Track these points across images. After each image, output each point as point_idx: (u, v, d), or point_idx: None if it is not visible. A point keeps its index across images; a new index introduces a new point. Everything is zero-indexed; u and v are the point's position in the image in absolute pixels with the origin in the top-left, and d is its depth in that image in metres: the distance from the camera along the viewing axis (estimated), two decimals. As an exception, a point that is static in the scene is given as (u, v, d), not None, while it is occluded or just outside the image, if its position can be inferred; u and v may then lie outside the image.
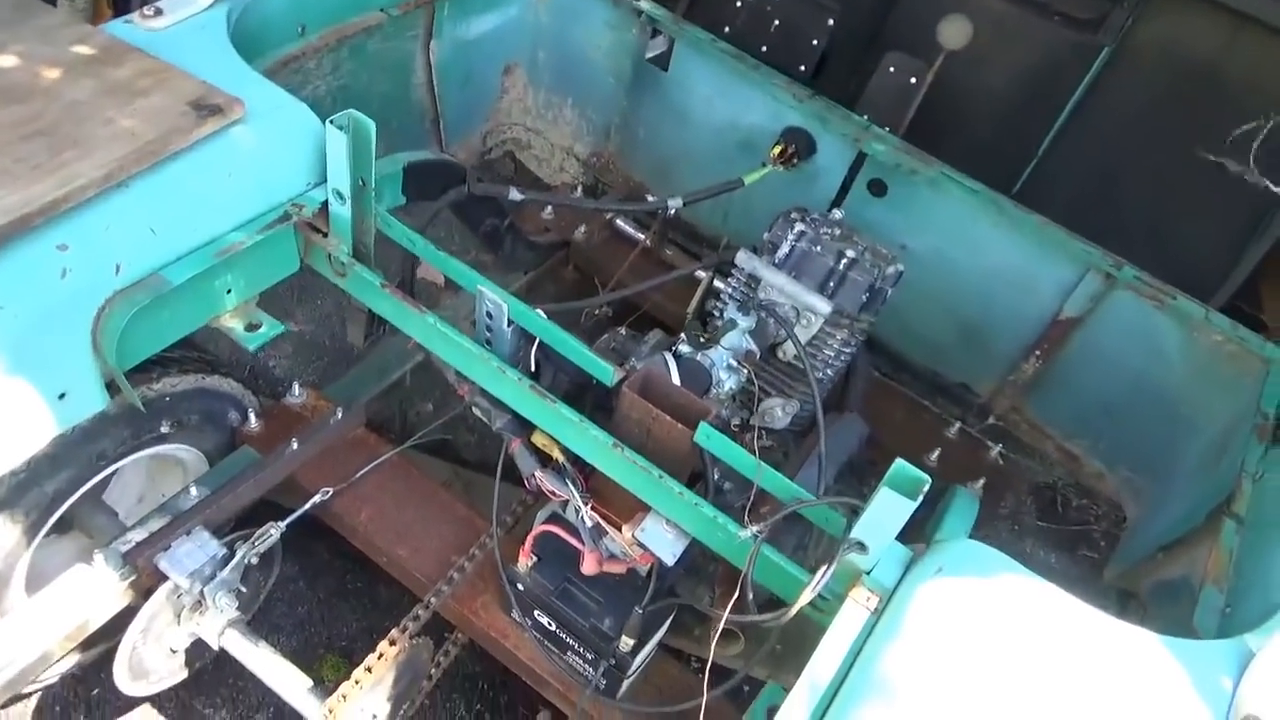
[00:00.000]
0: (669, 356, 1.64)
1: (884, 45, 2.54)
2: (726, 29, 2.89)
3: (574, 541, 1.61)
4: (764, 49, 2.84)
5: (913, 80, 2.56)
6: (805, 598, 1.23)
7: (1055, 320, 2.15)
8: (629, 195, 2.59)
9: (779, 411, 1.87)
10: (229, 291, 1.53)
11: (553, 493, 1.61)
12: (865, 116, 2.41)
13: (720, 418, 1.77)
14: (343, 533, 1.92)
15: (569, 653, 1.71)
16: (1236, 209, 2.30)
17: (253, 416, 1.96)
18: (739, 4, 2.85)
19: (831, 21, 2.72)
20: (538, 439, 1.65)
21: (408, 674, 1.84)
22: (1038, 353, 2.21)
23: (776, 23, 2.82)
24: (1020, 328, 2.21)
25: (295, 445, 1.91)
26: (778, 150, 2.21)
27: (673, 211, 2.16)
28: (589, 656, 1.67)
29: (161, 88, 1.43)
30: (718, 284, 1.98)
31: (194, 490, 1.82)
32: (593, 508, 1.59)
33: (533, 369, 1.62)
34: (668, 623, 1.68)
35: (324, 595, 2.30)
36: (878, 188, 2.24)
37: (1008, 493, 2.32)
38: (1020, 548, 2.31)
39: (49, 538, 1.81)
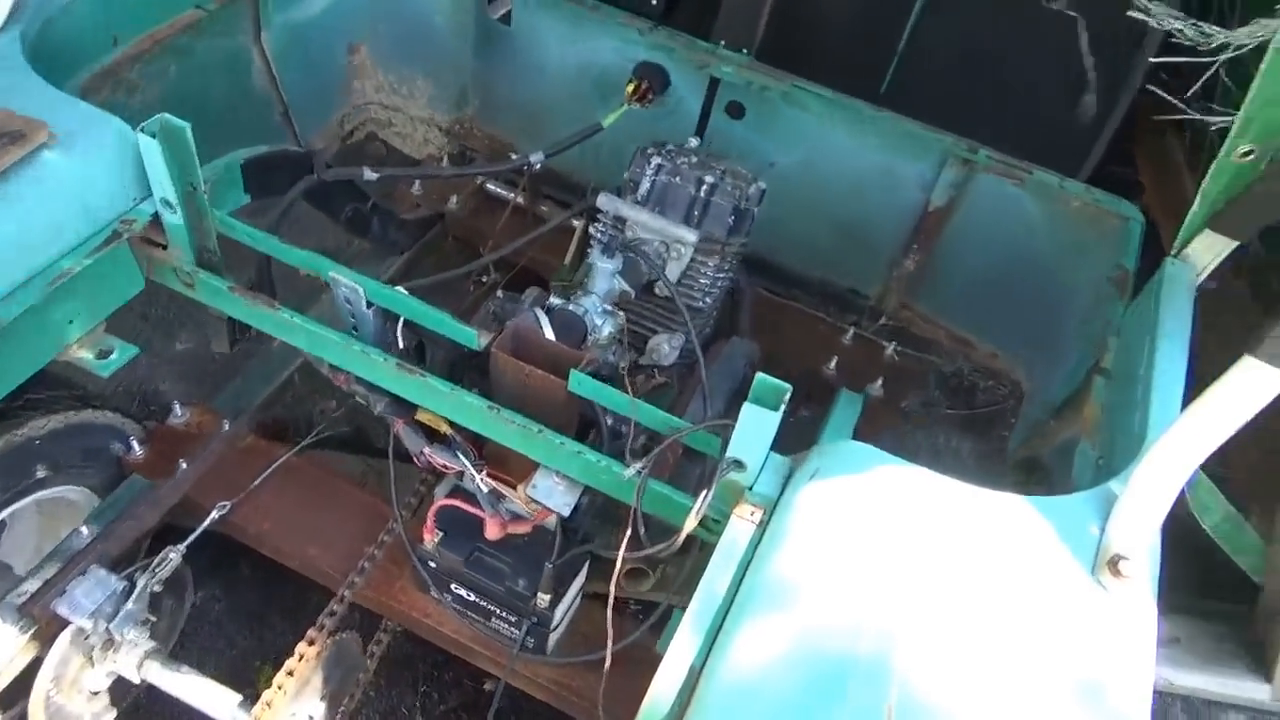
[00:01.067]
0: (539, 312, 1.63)
1: None
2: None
3: (474, 510, 1.60)
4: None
5: (760, -5, 2.54)
6: (691, 522, 1.25)
7: (926, 213, 2.18)
8: (493, 157, 2.56)
9: (665, 347, 1.87)
10: (71, 322, 1.48)
11: (445, 466, 1.60)
12: (720, 43, 2.40)
13: (606, 363, 1.77)
14: (250, 544, 1.89)
15: (493, 619, 1.71)
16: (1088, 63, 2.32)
17: (135, 444, 1.91)
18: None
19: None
20: (423, 416, 1.63)
21: (338, 670, 1.83)
22: (915, 247, 2.24)
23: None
24: (896, 225, 2.24)
25: (184, 465, 1.87)
26: (631, 88, 2.19)
27: (537, 166, 2.14)
28: (511, 619, 1.68)
29: (-53, 118, 1.36)
30: (592, 231, 1.97)
31: (85, 530, 1.78)
32: (489, 474, 1.58)
33: (410, 349, 1.60)
34: (583, 572, 1.70)
35: (252, 610, 2.27)
36: (735, 110, 2.23)
37: (912, 389, 2.37)
38: (934, 440, 2.36)
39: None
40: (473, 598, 1.70)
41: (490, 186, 2.51)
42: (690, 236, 1.78)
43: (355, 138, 2.72)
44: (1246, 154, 1.40)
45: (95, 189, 1.44)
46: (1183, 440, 1.16)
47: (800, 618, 1.10)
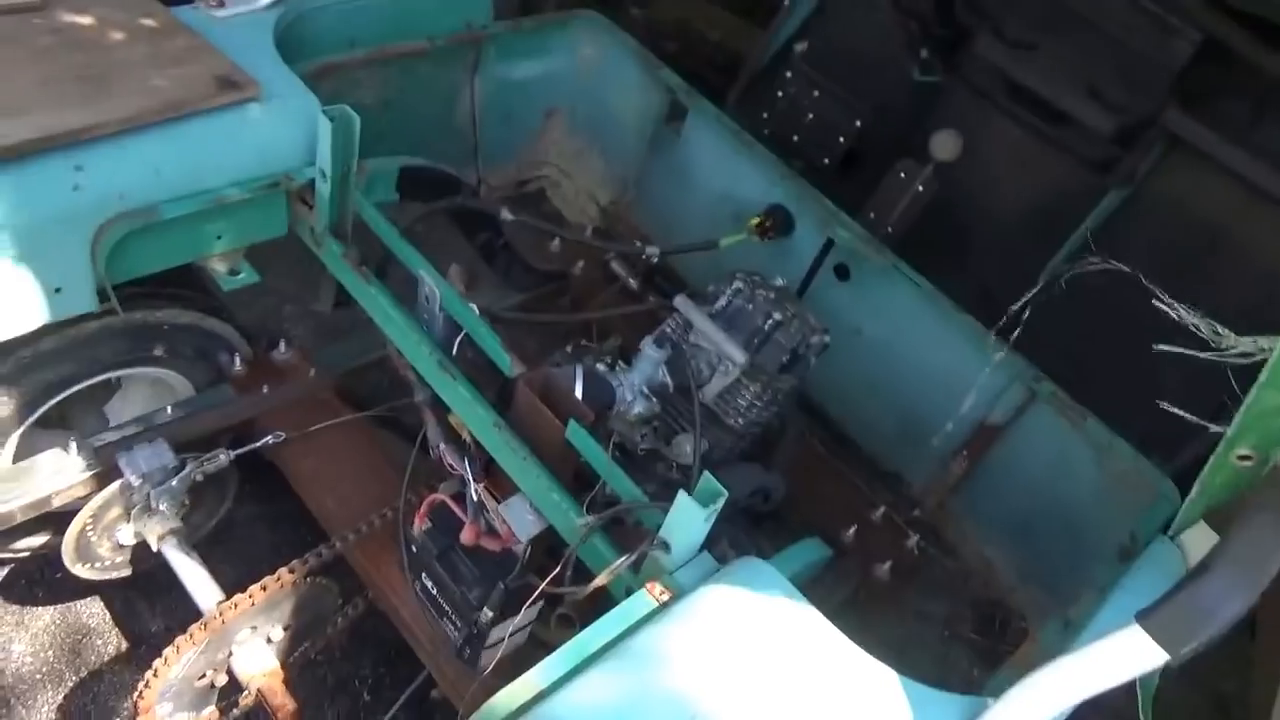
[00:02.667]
0: (579, 368, 1.84)
1: (908, 154, 2.72)
2: (765, 115, 3.14)
3: (461, 513, 1.79)
4: (795, 139, 3.07)
5: (919, 188, 2.74)
6: (602, 579, 1.40)
7: (982, 425, 2.26)
8: (624, 239, 2.82)
9: (687, 447, 2.03)
10: (219, 237, 1.81)
11: (451, 466, 1.80)
12: (872, 214, 2.61)
13: (628, 438, 1.96)
14: (286, 477, 2.15)
15: (444, 618, 1.88)
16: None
17: (238, 360, 2.23)
18: (780, 94, 3.09)
19: (859, 123, 2.93)
20: (454, 419, 1.85)
21: (309, 611, 2.04)
22: (964, 454, 2.31)
23: (810, 116, 3.05)
24: (952, 428, 2.32)
25: (265, 389, 2.17)
26: (756, 221, 2.41)
27: (653, 260, 2.39)
28: (457, 624, 1.84)
29: (196, 61, 1.73)
30: (664, 326, 2.18)
31: (169, 409, 2.10)
32: (486, 487, 1.78)
33: (468, 360, 1.83)
34: (535, 608, 1.84)
35: (277, 543, 2.52)
36: (842, 272, 2.41)
37: (925, 589, 2.40)
38: (942, 651, 2.38)
39: (49, 431, 2.10)
40: (434, 592, 1.87)
41: (613, 265, 2.77)
42: (739, 357, 1.95)
43: (528, 188, 3.07)
44: (1244, 458, 1.45)
45: (275, 144, 1.78)
46: (1056, 680, 1.23)
47: (641, 688, 1.22)
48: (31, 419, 1.96)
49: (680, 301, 2.03)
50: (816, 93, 3.06)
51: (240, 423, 2.15)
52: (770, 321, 2.02)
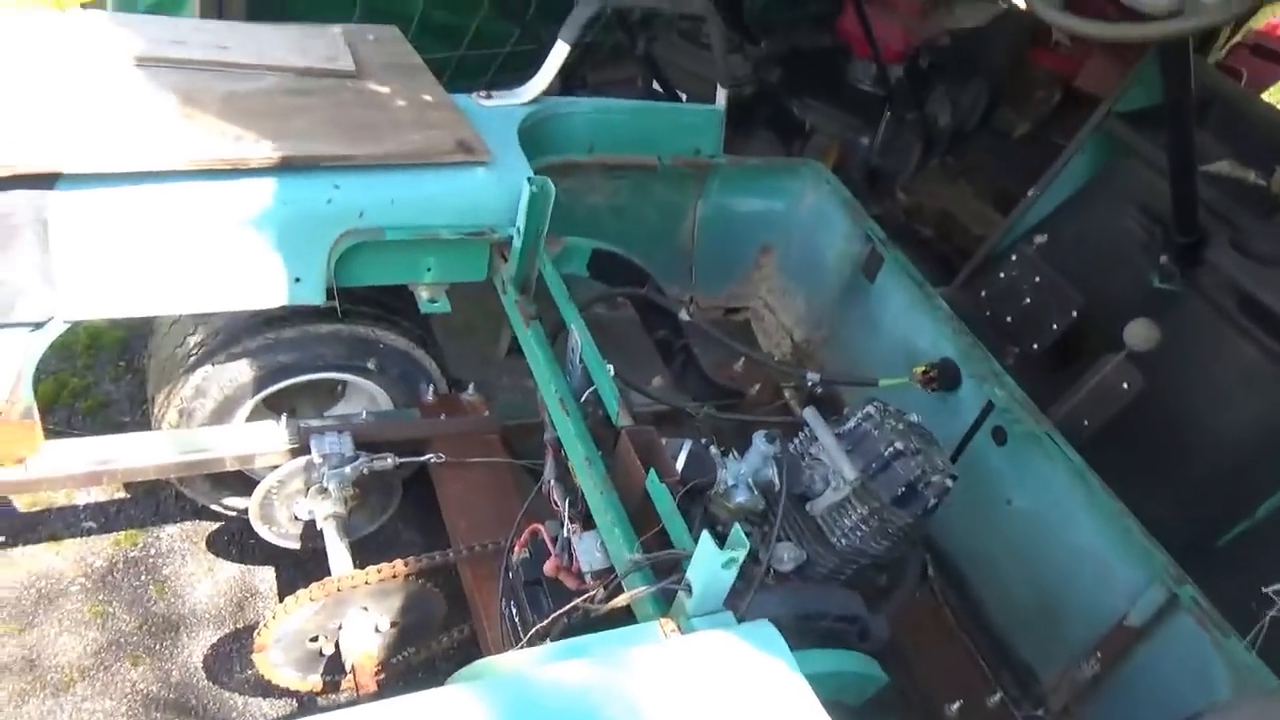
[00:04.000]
0: (687, 441, 1.97)
1: (1119, 348, 2.65)
2: (983, 293, 3.19)
3: (551, 546, 1.95)
4: (1008, 319, 3.09)
5: (1124, 385, 2.65)
6: (623, 599, 1.49)
7: (1120, 625, 2.08)
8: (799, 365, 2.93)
9: (785, 555, 2.06)
10: (429, 269, 2.17)
11: (555, 501, 1.98)
12: (1074, 403, 2.57)
13: (724, 522, 2.03)
14: (437, 494, 2.42)
15: (519, 645, 2.01)
16: None
17: (431, 391, 2.58)
18: (1001, 275, 3.14)
19: (1075, 313, 2.91)
20: (571, 464, 2.04)
21: (416, 614, 2.25)
22: (1098, 655, 2.13)
23: (1028, 300, 3.07)
24: (1089, 623, 2.15)
25: (442, 418, 2.49)
26: (922, 370, 2.45)
27: (814, 386, 2.50)
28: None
29: (448, 128, 2.15)
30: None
31: (364, 414, 2.47)
32: (578, 529, 1.93)
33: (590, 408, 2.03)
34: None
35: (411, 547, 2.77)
36: (999, 436, 2.36)
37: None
38: None
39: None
40: (516, 618, 2.02)
41: (786, 390, 2.88)
42: (849, 473, 1.98)
43: (736, 316, 3.29)
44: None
45: (489, 202, 2.13)
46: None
47: (604, 691, 1.29)
48: (265, 391, 2.38)
49: (809, 413, 2.11)
50: (1038, 278, 3.07)
51: (414, 439, 2.46)
52: (891, 450, 2.04)
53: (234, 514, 2.64)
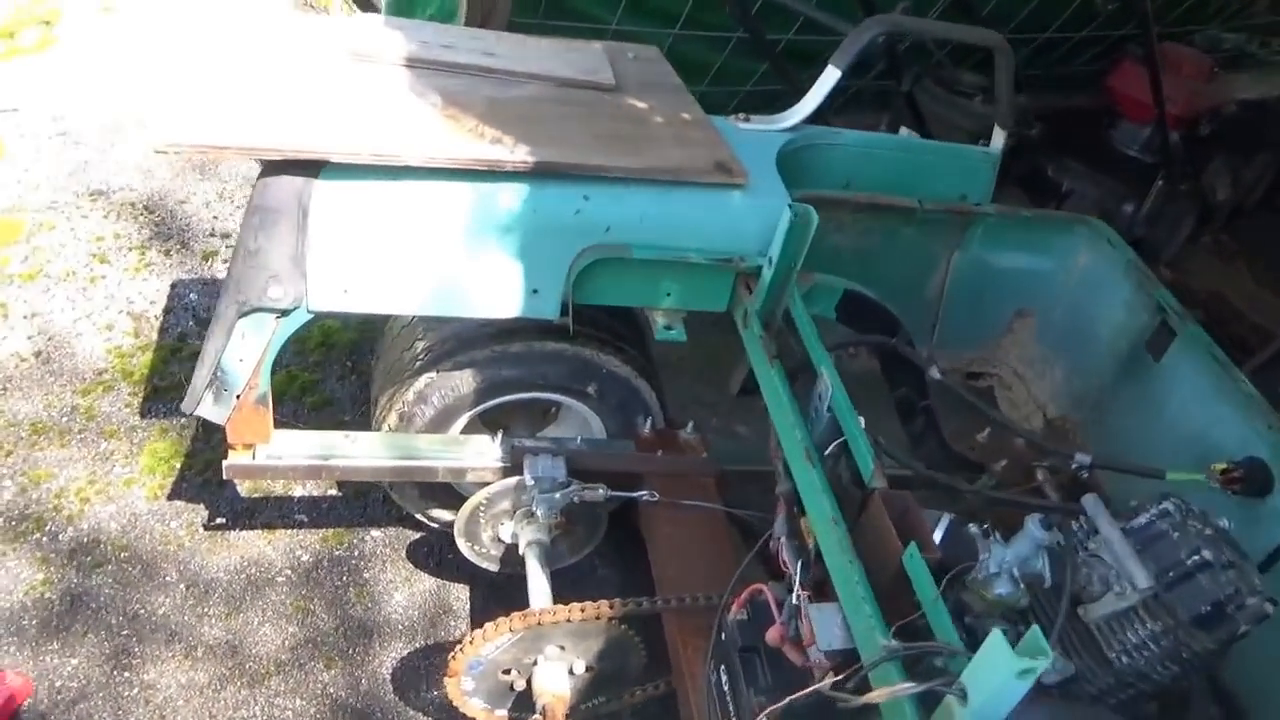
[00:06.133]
0: (948, 515, 1.71)
1: None
2: (1282, 388, 2.73)
3: (776, 611, 1.74)
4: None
5: None
6: (879, 695, 1.26)
7: None
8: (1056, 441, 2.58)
9: (1052, 666, 1.76)
10: (669, 294, 2.04)
11: (784, 561, 1.77)
12: None
13: (974, 612, 1.76)
14: (643, 533, 2.26)
15: (725, 718, 1.80)
16: None
17: (649, 425, 2.43)
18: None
19: None
20: (803, 524, 1.83)
21: (615, 659, 2.09)
22: None
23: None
24: None
25: (660, 454, 2.34)
26: (1223, 468, 2.07)
27: (1080, 470, 2.17)
28: (731, 729, 1.76)
29: (706, 146, 2.02)
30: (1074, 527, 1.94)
31: (579, 440, 2.35)
32: (809, 596, 1.71)
33: (843, 466, 1.82)
34: None
35: (610, 588, 2.62)
36: (1317, 561, 1.95)
37: None
38: None
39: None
40: (725, 686, 1.81)
41: (1039, 471, 2.54)
42: (1141, 582, 1.66)
43: (978, 382, 2.97)
44: None
45: (742, 228, 1.98)
46: None
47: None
48: (484, 405, 2.32)
49: (1089, 500, 1.80)
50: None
51: (626, 473, 2.32)
52: (1196, 559, 1.69)
53: (437, 526, 2.59)
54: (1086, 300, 2.66)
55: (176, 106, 1.72)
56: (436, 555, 2.68)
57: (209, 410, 2.02)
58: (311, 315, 1.93)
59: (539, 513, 2.18)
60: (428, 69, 2.10)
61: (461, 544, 2.33)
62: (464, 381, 2.27)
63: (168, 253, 3.57)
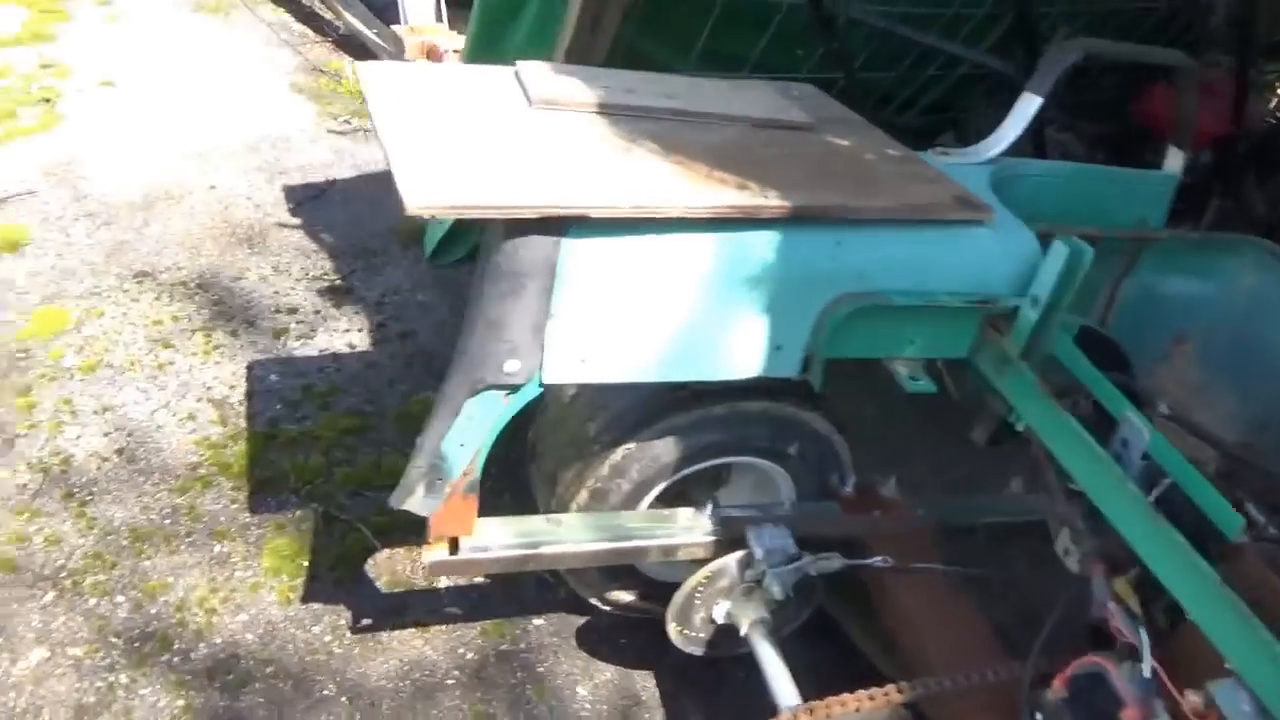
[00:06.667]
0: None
1: None
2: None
3: (1122, 688, 1.57)
4: None
5: None
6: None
7: None
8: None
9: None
10: (912, 343, 1.88)
11: (1119, 631, 1.61)
12: None
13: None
14: (878, 603, 2.08)
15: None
16: None
17: (848, 484, 2.27)
18: None
19: None
20: (1118, 585, 1.67)
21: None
22: None
23: None
24: None
25: (877, 514, 2.17)
26: None
27: None
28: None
29: (937, 182, 1.90)
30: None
31: (788, 504, 2.17)
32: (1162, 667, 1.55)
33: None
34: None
35: (814, 661, 2.40)
36: None
37: None
38: None
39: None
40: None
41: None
42: None
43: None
44: None
45: (992, 267, 1.85)
46: None
47: None
48: (682, 473, 2.13)
49: None
50: None
51: (840, 538, 2.15)
52: None
53: (612, 609, 2.37)
54: (1258, 321, 2.58)
55: (417, 168, 1.53)
56: (608, 640, 2.46)
57: (418, 504, 1.81)
58: (541, 390, 1.74)
59: (772, 589, 1.99)
60: (619, 115, 1.94)
61: (672, 629, 2.12)
62: (665, 450, 2.08)
63: (234, 333, 3.32)
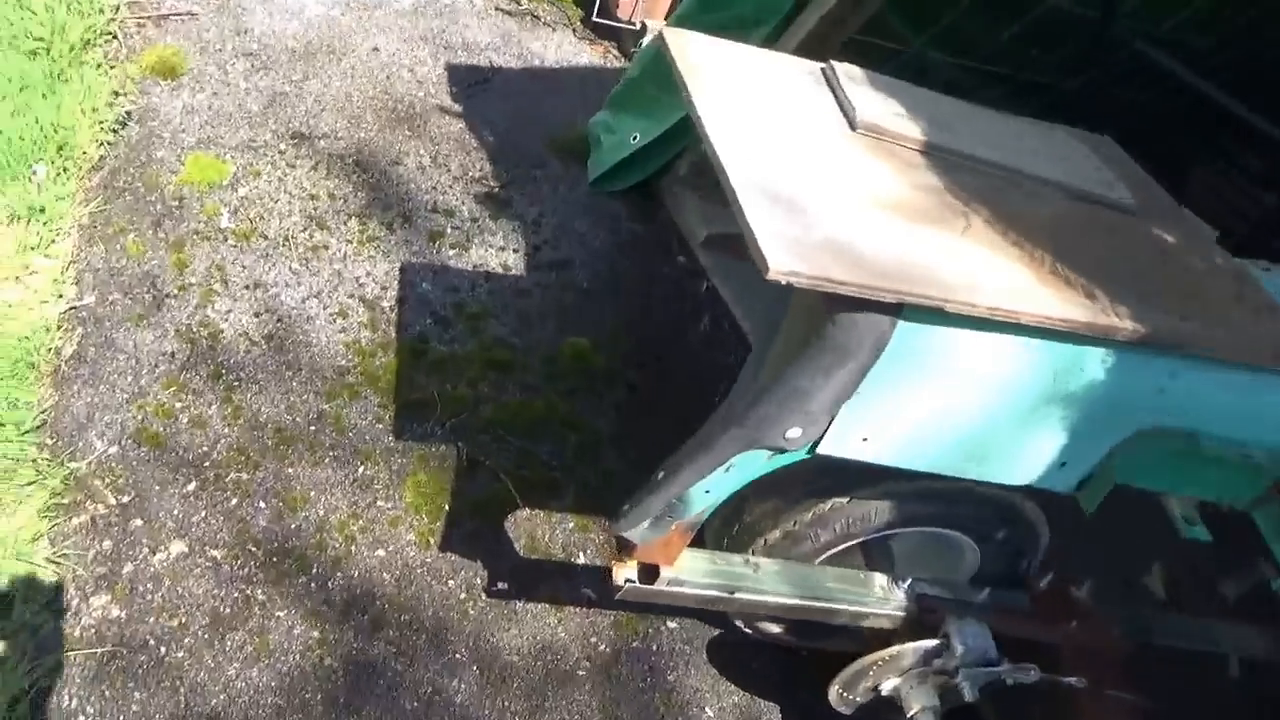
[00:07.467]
0: None
1: None
2: None
3: None
4: None
5: None
6: None
7: None
8: None
9: None
10: (1195, 484, 1.73)
11: None
12: None
13: None
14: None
15: None
16: None
17: (1034, 568, 2.14)
18: None
19: None
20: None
21: None
22: None
23: None
24: None
25: (1073, 623, 2.05)
26: None
27: None
28: None
29: (1269, 312, 1.69)
30: None
31: (987, 593, 2.06)
32: None
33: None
34: None
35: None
36: None
37: None
38: None
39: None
40: None
41: None
42: None
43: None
44: None
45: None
46: None
47: None
48: (880, 534, 2.01)
49: None
50: None
51: (1026, 642, 2.04)
52: None
53: (755, 636, 2.29)
54: None
55: (774, 229, 1.35)
56: (740, 662, 2.38)
57: (639, 535, 1.69)
58: (808, 456, 1.60)
59: (964, 688, 1.89)
60: (943, 157, 1.74)
61: (833, 690, 2.03)
62: (876, 511, 1.96)
63: (390, 226, 3.16)
